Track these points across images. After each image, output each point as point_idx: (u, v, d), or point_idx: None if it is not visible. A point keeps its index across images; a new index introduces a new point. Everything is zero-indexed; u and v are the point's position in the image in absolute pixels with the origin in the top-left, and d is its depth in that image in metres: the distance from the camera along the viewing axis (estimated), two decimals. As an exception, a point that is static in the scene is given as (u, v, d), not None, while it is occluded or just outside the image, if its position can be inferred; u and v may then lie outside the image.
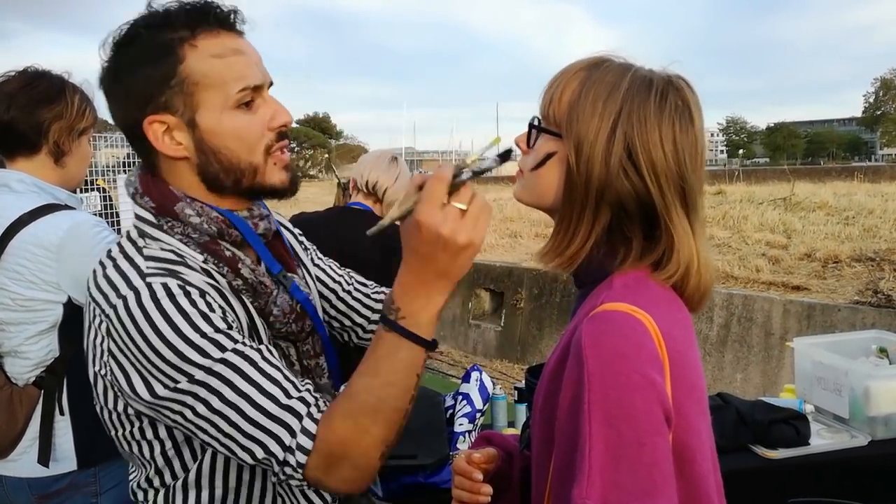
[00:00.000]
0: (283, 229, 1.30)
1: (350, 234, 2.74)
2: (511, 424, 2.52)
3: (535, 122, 1.05)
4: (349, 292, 1.43)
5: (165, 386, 0.96)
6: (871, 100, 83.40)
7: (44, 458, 1.76)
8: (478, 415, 2.23)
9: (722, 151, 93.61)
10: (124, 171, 6.92)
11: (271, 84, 1.13)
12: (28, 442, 1.77)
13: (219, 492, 1.10)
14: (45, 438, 1.76)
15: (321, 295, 1.39)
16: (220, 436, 0.97)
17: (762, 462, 2.13)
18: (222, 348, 0.97)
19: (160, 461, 1.08)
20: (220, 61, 1.06)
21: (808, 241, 9.23)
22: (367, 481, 1.03)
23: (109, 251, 1.09)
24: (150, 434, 1.06)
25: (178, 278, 1.01)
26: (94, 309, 1.02)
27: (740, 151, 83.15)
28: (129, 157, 6.90)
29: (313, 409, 0.99)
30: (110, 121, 1.18)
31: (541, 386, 1.03)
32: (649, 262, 1.00)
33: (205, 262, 1.08)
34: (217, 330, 0.98)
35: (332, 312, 1.43)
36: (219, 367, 0.96)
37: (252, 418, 0.96)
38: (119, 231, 2.24)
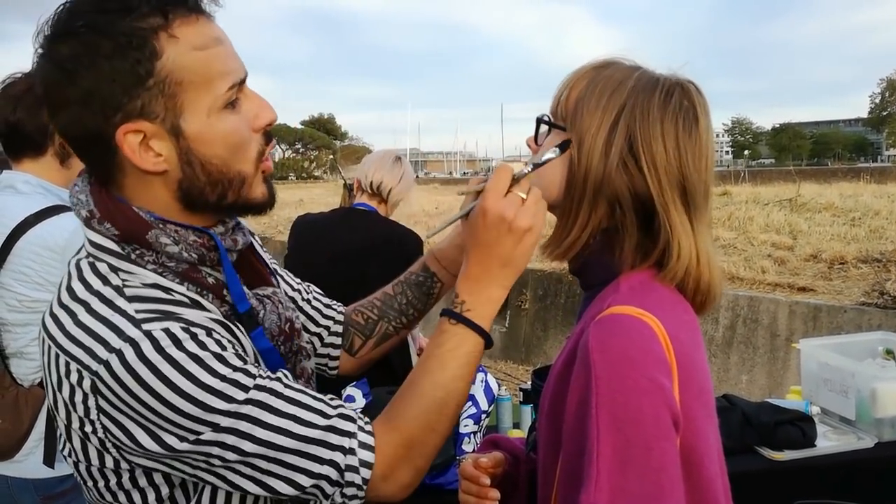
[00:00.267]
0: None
1: (355, 234, 2.74)
2: (516, 426, 2.52)
3: (544, 119, 1.06)
4: (308, 301, 1.29)
5: (184, 439, 0.86)
6: (878, 100, 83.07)
7: (49, 458, 1.76)
8: (483, 416, 2.22)
9: (727, 152, 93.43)
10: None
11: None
12: (33, 443, 1.78)
13: None
14: (51, 439, 1.77)
15: None
16: (256, 474, 0.90)
17: (768, 464, 2.12)
18: (245, 388, 0.88)
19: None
20: (203, 54, 0.90)
21: (814, 242, 9.19)
22: (416, 485, 1.00)
23: (73, 291, 0.92)
24: (143, 482, 0.93)
25: (179, 320, 0.89)
26: (67, 363, 0.88)
27: (746, 152, 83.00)
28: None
29: (361, 422, 0.95)
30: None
31: (547, 389, 1.02)
32: (651, 261, 1.00)
33: (188, 290, 0.95)
34: (235, 369, 0.88)
35: None
36: (245, 409, 0.87)
37: (294, 449, 0.90)
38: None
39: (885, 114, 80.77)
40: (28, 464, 1.78)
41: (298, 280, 1.30)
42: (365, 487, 0.94)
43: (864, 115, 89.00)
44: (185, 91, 0.89)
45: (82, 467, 0.95)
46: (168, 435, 0.86)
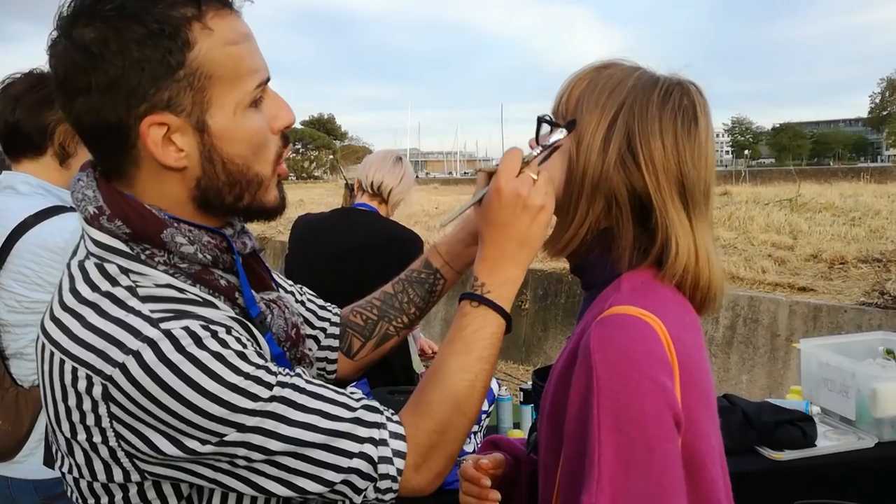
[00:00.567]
0: None
1: (355, 234, 2.74)
2: (516, 426, 2.52)
3: (546, 118, 1.06)
4: (302, 303, 1.25)
5: (207, 442, 0.83)
6: (878, 100, 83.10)
7: (49, 459, 1.76)
8: (483, 416, 2.22)
9: (727, 152, 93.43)
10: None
11: None
12: (34, 443, 1.77)
13: None
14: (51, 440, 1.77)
15: None
16: (282, 474, 0.87)
17: (768, 464, 2.12)
18: (268, 385, 0.85)
19: None
20: (234, 49, 0.87)
21: (815, 242, 9.19)
22: (447, 474, 0.99)
23: (78, 293, 0.87)
24: (151, 494, 0.89)
25: (198, 318, 0.85)
26: (74, 369, 0.84)
27: (746, 152, 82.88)
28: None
29: (387, 412, 0.94)
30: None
31: (548, 389, 1.02)
32: (651, 260, 1.00)
33: (201, 292, 0.92)
34: (258, 366, 0.85)
35: None
36: (271, 406, 0.84)
37: (322, 444, 0.87)
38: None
39: (885, 113, 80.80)
40: (28, 465, 1.78)
41: (290, 282, 1.26)
42: (399, 479, 0.92)
43: (865, 114, 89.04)
44: (214, 86, 0.86)
45: (83, 484, 0.90)
46: (190, 439, 0.82)
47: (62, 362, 0.85)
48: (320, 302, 1.29)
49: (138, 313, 0.84)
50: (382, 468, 0.91)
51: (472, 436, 2.19)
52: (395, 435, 0.92)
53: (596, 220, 1.01)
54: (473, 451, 2.09)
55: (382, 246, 2.67)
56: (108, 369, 0.81)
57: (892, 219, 10.35)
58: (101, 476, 0.88)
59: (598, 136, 0.98)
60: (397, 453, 0.92)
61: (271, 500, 0.95)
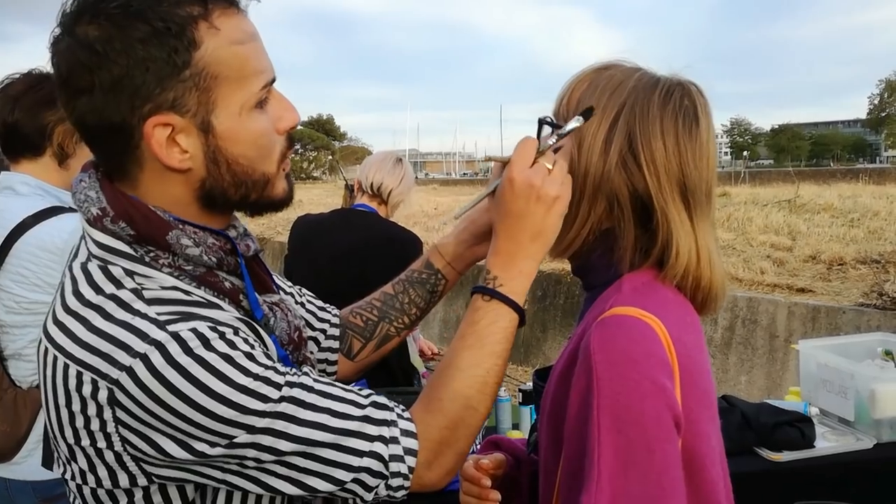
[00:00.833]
0: None
1: (354, 235, 2.74)
2: (515, 427, 2.52)
3: (547, 120, 1.06)
4: (301, 304, 1.24)
5: (216, 445, 0.81)
6: (876, 101, 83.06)
7: (48, 461, 1.76)
8: (482, 417, 2.22)
9: (726, 153, 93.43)
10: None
11: None
12: (32, 445, 1.77)
13: None
14: (49, 441, 1.76)
15: None
16: (292, 473, 0.86)
17: (767, 465, 2.12)
18: (278, 385, 0.84)
19: None
20: (241, 49, 0.86)
21: (813, 243, 9.20)
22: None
23: (81, 296, 0.86)
24: (157, 499, 0.88)
25: (205, 319, 0.84)
26: (78, 373, 0.82)
27: (745, 153, 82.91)
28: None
29: (398, 409, 0.93)
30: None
31: (548, 389, 1.02)
32: (652, 261, 0.99)
33: (206, 294, 0.91)
34: (266, 367, 0.84)
35: None
36: (281, 407, 0.83)
37: (332, 443, 0.86)
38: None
39: (883, 115, 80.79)
40: (26, 466, 1.78)
41: (290, 283, 1.25)
42: (411, 476, 0.91)
43: (863, 116, 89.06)
44: (220, 86, 0.85)
45: (87, 491, 0.89)
46: (199, 442, 0.81)
47: (66, 366, 0.84)
48: (319, 303, 1.28)
49: (144, 316, 0.83)
50: (394, 466, 0.90)
51: (471, 436, 2.18)
52: (406, 432, 0.91)
53: (598, 221, 1.00)
54: (473, 452, 2.09)
55: (382, 247, 2.67)
56: (114, 373, 0.80)
57: (890, 220, 10.36)
58: (107, 482, 0.87)
59: (599, 137, 0.98)
60: (408, 451, 0.91)
61: (277, 498, 0.95)
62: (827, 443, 2.23)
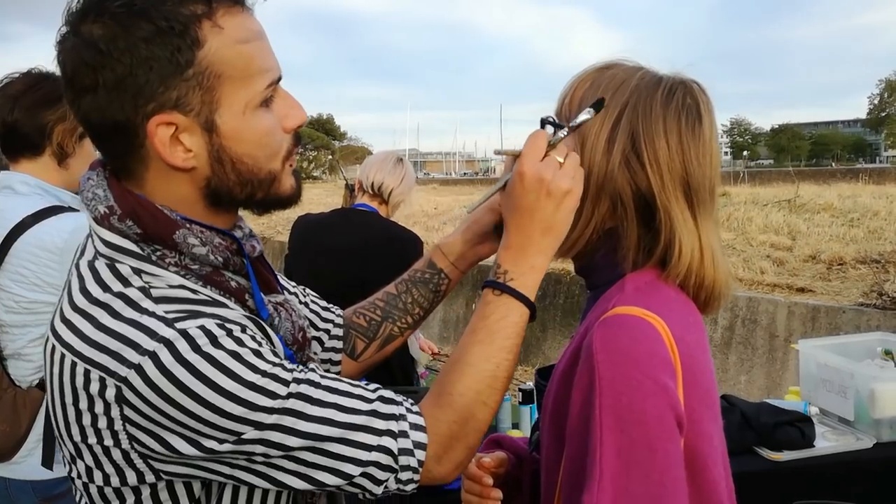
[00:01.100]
0: None
1: (355, 235, 2.74)
2: (515, 426, 2.52)
3: (549, 120, 1.06)
4: (305, 304, 1.24)
5: (224, 441, 0.82)
6: (876, 101, 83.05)
7: (48, 460, 1.76)
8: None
9: (726, 153, 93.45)
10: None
11: None
12: (32, 444, 1.77)
13: None
14: (49, 441, 1.76)
15: None
16: (300, 468, 0.86)
17: (767, 464, 2.12)
18: (286, 382, 0.84)
19: None
20: (245, 48, 0.86)
21: (813, 242, 9.21)
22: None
23: (89, 294, 0.86)
24: (164, 496, 0.88)
25: (213, 316, 0.84)
26: (86, 371, 0.82)
27: (745, 153, 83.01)
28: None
29: (406, 403, 0.93)
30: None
31: (550, 388, 1.02)
32: (655, 260, 0.99)
33: (213, 293, 0.91)
34: (274, 364, 0.84)
35: None
36: (289, 403, 0.84)
37: (339, 438, 0.86)
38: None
39: (883, 115, 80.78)
40: (26, 465, 1.78)
41: (293, 283, 1.25)
42: (420, 470, 0.91)
43: (863, 116, 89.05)
44: (223, 85, 0.85)
45: (93, 489, 0.89)
46: (208, 439, 0.81)
47: (74, 364, 0.84)
48: (323, 303, 1.28)
49: (152, 314, 0.83)
50: (403, 460, 0.90)
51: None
52: (415, 426, 0.91)
53: (601, 221, 1.00)
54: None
55: (382, 246, 2.67)
56: (122, 371, 0.80)
57: (890, 220, 10.37)
58: (114, 480, 0.87)
59: (602, 136, 0.98)
60: (418, 445, 0.91)
61: (283, 493, 0.95)
62: (827, 442, 2.23)
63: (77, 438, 0.86)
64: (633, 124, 0.97)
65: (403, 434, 0.90)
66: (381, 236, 2.73)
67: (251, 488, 0.92)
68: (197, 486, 0.90)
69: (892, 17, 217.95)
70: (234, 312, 0.88)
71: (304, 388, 0.86)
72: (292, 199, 0.98)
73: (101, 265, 0.88)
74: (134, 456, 0.85)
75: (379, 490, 0.91)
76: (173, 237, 0.88)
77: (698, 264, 0.98)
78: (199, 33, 0.82)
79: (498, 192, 1.06)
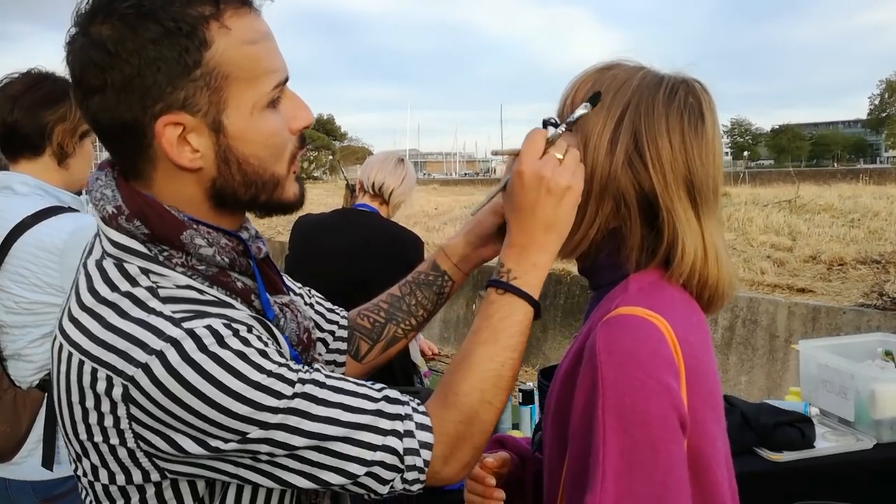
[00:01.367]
0: None
1: (355, 235, 2.74)
2: (515, 426, 2.52)
3: (551, 121, 1.06)
4: (311, 305, 1.24)
5: (229, 441, 0.82)
6: (877, 102, 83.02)
7: (48, 461, 1.76)
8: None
9: (726, 153, 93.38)
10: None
11: None
12: (32, 445, 1.77)
13: None
14: (49, 442, 1.76)
15: None
16: (305, 468, 0.86)
17: (767, 465, 2.12)
18: (291, 382, 0.84)
19: None
20: (252, 48, 0.86)
21: (814, 243, 9.20)
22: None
23: (97, 293, 0.87)
24: (168, 494, 0.89)
25: (220, 316, 0.85)
26: (94, 370, 0.83)
27: (745, 153, 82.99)
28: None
29: (413, 403, 0.92)
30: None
31: (553, 388, 1.02)
32: (658, 260, 0.99)
33: (219, 294, 0.91)
34: (280, 364, 0.85)
35: None
36: (294, 403, 0.84)
37: (344, 437, 0.86)
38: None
39: (884, 115, 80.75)
40: (26, 466, 1.78)
41: (299, 285, 1.25)
42: (426, 470, 0.90)
43: (864, 116, 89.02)
44: (231, 86, 0.85)
45: (99, 487, 0.89)
46: (213, 438, 0.82)
47: (81, 363, 0.84)
48: (328, 305, 1.28)
49: (160, 314, 0.83)
50: (409, 459, 0.89)
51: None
52: (421, 426, 0.91)
53: (605, 221, 1.00)
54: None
55: (383, 247, 2.67)
56: (130, 370, 0.81)
57: (890, 220, 10.37)
58: (119, 478, 0.87)
59: (604, 136, 0.98)
60: (424, 444, 0.90)
61: (287, 492, 0.95)
62: (827, 443, 2.23)
63: (83, 437, 0.87)
64: (635, 124, 0.97)
65: (409, 434, 0.90)
66: (382, 237, 2.73)
67: (255, 487, 0.92)
68: (201, 485, 0.90)
69: (892, 17, 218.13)
70: (241, 313, 0.88)
71: (309, 388, 0.86)
72: (295, 205, 0.98)
73: (108, 265, 0.89)
74: (139, 454, 0.85)
75: (384, 490, 0.90)
76: (180, 238, 0.88)
77: (702, 264, 0.98)
78: (207, 34, 0.83)
79: (500, 193, 1.06)
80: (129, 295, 0.86)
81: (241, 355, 0.82)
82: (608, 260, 1.02)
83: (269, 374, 0.83)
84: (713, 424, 0.94)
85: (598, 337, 0.89)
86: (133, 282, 0.87)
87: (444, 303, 1.27)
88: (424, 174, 77.99)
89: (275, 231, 13.82)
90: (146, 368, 0.80)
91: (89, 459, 0.88)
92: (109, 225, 0.89)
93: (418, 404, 0.93)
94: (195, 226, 0.90)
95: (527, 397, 2.52)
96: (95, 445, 0.86)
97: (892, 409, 2.23)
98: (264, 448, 0.84)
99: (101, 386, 0.82)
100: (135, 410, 0.82)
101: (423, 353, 3.11)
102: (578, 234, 1.01)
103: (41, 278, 1.72)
